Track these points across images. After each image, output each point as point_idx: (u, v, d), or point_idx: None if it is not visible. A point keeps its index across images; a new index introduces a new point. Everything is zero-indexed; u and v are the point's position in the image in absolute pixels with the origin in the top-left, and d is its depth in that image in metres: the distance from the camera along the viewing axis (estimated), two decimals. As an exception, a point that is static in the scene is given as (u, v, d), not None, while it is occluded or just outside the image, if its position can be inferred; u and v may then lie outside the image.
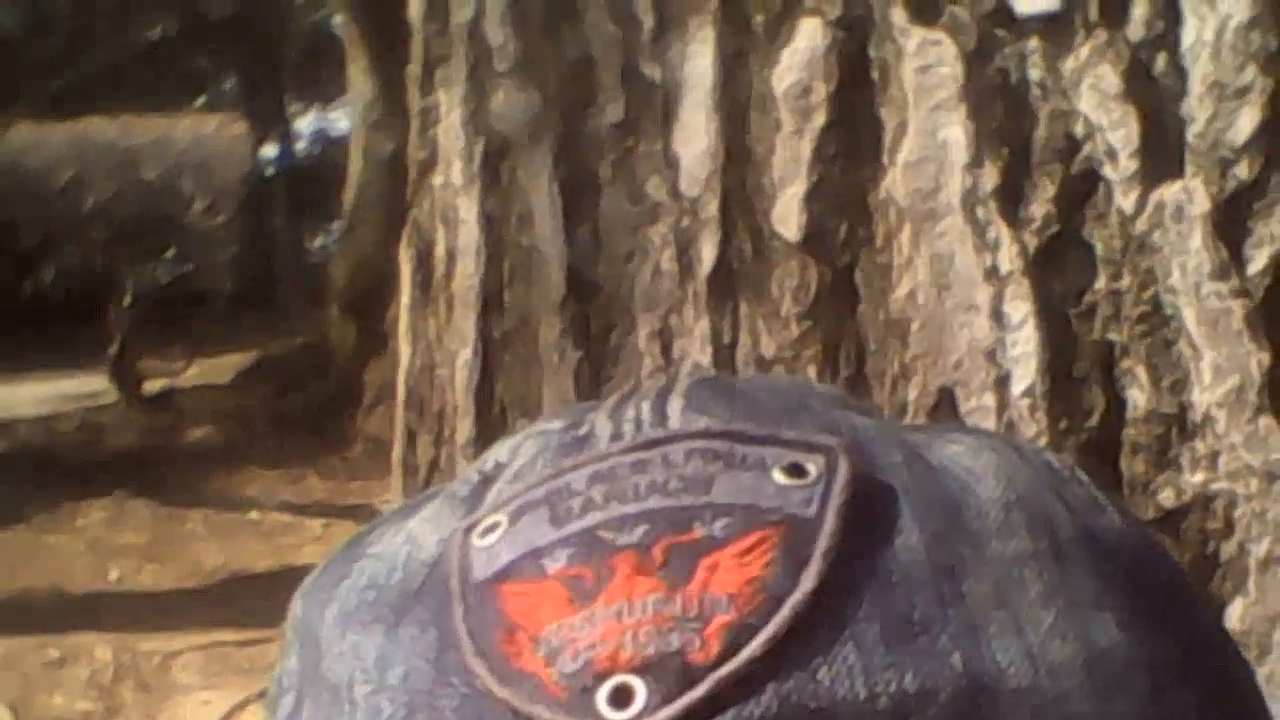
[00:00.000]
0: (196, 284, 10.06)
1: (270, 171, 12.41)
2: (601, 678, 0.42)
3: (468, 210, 1.20)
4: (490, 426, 1.17)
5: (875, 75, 1.00)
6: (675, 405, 0.50)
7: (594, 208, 1.10)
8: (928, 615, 0.44)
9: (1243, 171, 0.92)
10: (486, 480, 0.51)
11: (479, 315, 1.19)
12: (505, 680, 0.43)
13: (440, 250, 1.24)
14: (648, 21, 1.08)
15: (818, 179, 1.00)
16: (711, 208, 1.04)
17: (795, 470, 0.46)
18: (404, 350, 1.31)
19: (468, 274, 1.20)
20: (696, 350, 1.05)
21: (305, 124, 13.59)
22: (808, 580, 0.44)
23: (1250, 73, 0.92)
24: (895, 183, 0.98)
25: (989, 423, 0.94)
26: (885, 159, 0.99)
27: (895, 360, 0.98)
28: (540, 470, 0.49)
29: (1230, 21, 0.92)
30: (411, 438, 1.29)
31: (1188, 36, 0.93)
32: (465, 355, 1.20)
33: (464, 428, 1.21)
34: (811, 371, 1.00)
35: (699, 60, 1.05)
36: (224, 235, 10.40)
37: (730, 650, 0.42)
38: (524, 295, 1.15)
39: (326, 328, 8.81)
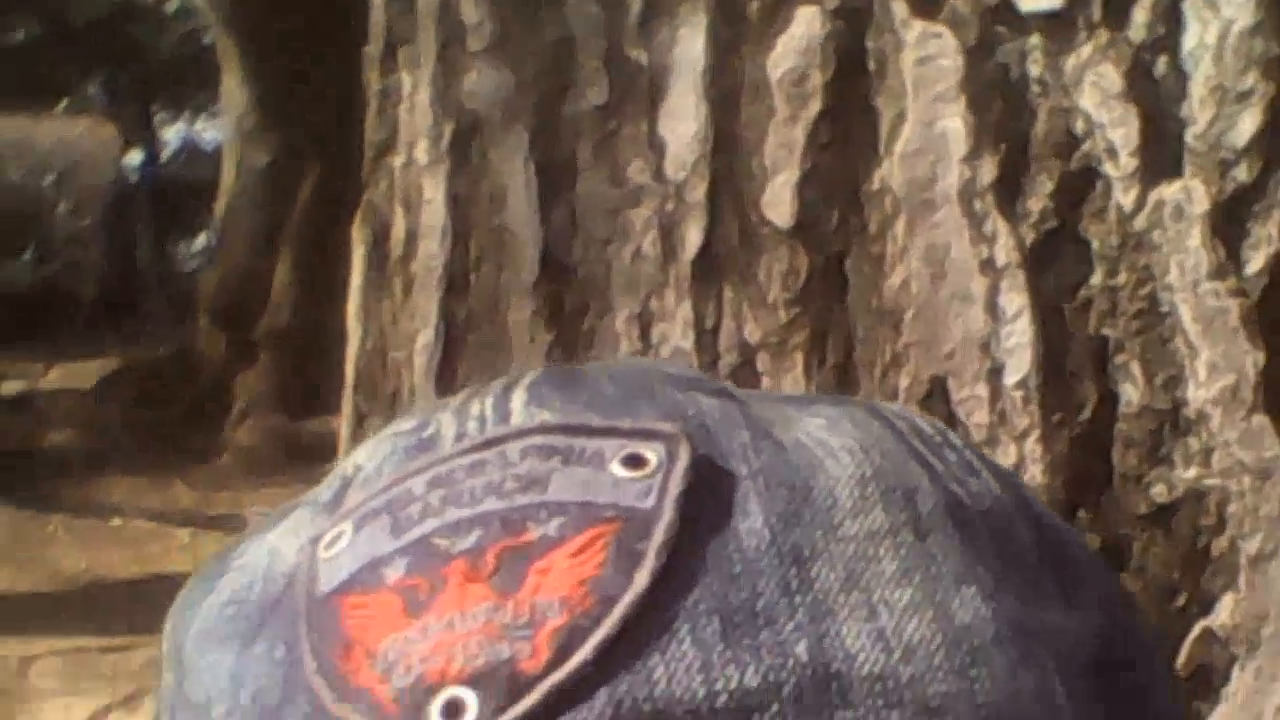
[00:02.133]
0: (59, 287, 9.89)
1: (135, 178, 12.25)
2: (433, 691, 0.41)
3: (433, 190, 1.18)
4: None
5: (871, 65, 1.00)
6: (517, 401, 0.49)
7: (571, 189, 1.09)
8: (772, 605, 0.43)
9: (1242, 174, 0.93)
10: (346, 485, 0.50)
11: (442, 296, 1.17)
12: (343, 697, 0.43)
13: (399, 231, 1.22)
14: (635, 5, 1.07)
15: (810, 166, 1.00)
16: (699, 192, 1.03)
17: (634, 461, 0.45)
18: (354, 332, 1.29)
19: (430, 254, 1.18)
20: (678, 335, 1.04)
21: (173, 133, 13.44)
22: (641, 578, 0.42)
23: (1252, 77, 0.93)
24: (892, 172, 0.98)
25: (981, 413, 0.95)
26: (882, 149, 0.99)
27: (887, 349, 0.97)
28: (386, 475, 0.48)
29: (1233, 26, 0.93)
30: (360, 420, 1.26)
31: (1190, 40, 0.94)
32: (426, 337, 1.18)
33: (421, 410, 1.19)
34: (799, 358, 1.00)
35: (690, 44, 1.04)
36: (88, 239, 10.22)
37: (560, 656, 0.41)
38: (492, 277, 1.14)
39: (195, 337, 8.70)
